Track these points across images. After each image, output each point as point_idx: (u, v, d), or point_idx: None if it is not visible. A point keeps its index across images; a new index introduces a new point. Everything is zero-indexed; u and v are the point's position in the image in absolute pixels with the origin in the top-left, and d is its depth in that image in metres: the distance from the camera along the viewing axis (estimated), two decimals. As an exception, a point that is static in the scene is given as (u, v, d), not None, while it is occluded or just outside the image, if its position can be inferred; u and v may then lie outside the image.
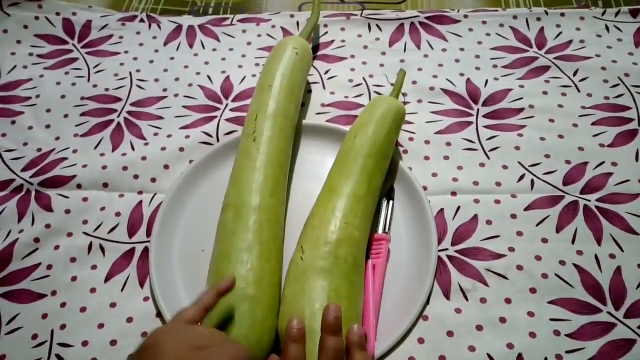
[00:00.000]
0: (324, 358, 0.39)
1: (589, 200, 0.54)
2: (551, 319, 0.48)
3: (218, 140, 0.61)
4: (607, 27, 0.69)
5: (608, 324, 0.47)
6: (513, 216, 0.54)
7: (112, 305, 0.50)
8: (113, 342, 0.48)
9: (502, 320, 0.48)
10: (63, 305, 0.50)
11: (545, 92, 0.63)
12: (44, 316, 0.50)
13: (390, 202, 0.55)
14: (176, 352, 0.35)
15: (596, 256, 0.51)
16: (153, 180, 0.58)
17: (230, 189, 0.52)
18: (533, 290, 0.49)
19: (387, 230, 0.53)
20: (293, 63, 0.59)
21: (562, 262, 0.51)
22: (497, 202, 0.55)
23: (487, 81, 0.65)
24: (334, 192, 0.50)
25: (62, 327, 0.49)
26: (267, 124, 0.54)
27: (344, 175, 0.51)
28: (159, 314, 0.49)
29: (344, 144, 0.54)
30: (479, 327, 0.48)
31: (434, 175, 0.57)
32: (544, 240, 0.52)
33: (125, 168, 0.59)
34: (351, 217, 0.48)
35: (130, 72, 0.68)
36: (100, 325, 0.49)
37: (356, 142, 0.53)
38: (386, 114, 0.55)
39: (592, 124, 0.60)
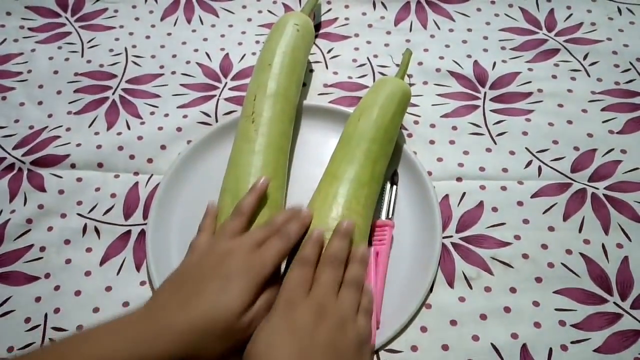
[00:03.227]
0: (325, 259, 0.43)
1: (597, 189, 0.53)
2: (557, 309, 0.47)
3: (217, 121, 0.59)
4: (619, 10, 0.67)
5: (614, 315, 0.46)
6: (519, 203, 0.53)
7: (108, 289, 0.49)
8: (109, 327, 0.47)
9: (507, 309, 0.47)
10: (57, 288, 0.49)
11: (554, 76, 0.62)
12: (38, 299, 0.49)
13: (394, 187, 0.54)
14: (242, 255, 0.42)
15: (603, 246, 0.50)
16: (150, 160, 0.56)
17: (229, 172, 0.50)
18: (539, 280, 0.48)
19: (390, 216, 0.52)
20: (294, 41, 0.56)
21: (568, 251, 0.50)
22: (504, 188, 0.54)
23: (495, 63, 0.63)
24: (337, 178, 0.48)
25: (56, 310, 0.48)
26: (267, 105, 0.52)
27: (347, 160, 0.49)
28: (156, 299, 0.48)
29: (347, 127, 0.52)
30: (483, 317, 0.47)
31: (439, 160, 0.56)
32: (551, 229, 0.51)
33: (120, 148, 0.57)
34: (354, 203, 0.47)
35: (125, 48, 0.66)
36: (96, 310, 0.48)
37: (360, 125, 0.51)
38: (392, 96, 0.53)
39: (602, 109, 0.59)
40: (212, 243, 0.44)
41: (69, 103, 0.61)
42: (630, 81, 0.61)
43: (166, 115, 0.60)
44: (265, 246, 0.43)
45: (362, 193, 0.48)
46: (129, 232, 0.52)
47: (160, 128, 0.59)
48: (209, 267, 0.42)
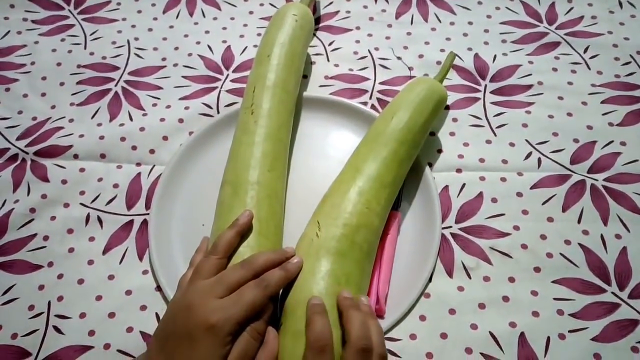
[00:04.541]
0: (352, 328, 0.38)
1: (597, 180, 0.54)
2: (555, 299, 0.47)
3: (218, 112, 0.59)
4: (620, 3, 0.67)
5: (612, 304, 0.47)
6: (519, 194, 0.53)
7: (111, 277, 0.50)
8: (111, 315, 0.47)
9: (505, 299, 0.47)
10: (60, 276, 0.50)
11: (554, 69, 0.62)
12: (41, 287, 0.49)
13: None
14: (208, 308, 0.39)
15: (602, 236, 0.50)
16: (152, 151, 0.57)
17: (229, 164, 0.51)
18: (537, 270, 0.49)
19: (397, 207, 0.52)
20: (293, 32, 0.57)
21: (567, 242, 0.50)
22: (503, 180, 0.54)
23: (495, 56, 0.63)
24: (360, 172, 0.47)
25: (60, 298, 0.48)
26: (266, 96, 0.52)
27: (373, 156, 0.48)
28: (159, 288, 0.48)
29: (378, 122, 0.51)
30: (482, 306, 0.47)
31: (440, 151, 0.56)
32: (550, 220, 0.51)
33: (123, 139, 0.58)
34: (374, 203, 0.46)
35: (128, 40, 0.66)
36: (99, 298, 0.48)
37: (392, 124, 0.50)
38: (428, 99, 0.52)
39: (602, 102, 0.59)
40: (188, 287, 0.42)
41: (72, 94, 0.62)
42: (631, 74, 0.61)
43: (168, 106, 0.60)
44: (238, 294, 0.40)
45: (383, 194, 0.47)
46: (131, 222, 0.53)
47: (162, 119, 0.59)
48: (179, 323, 0.39)
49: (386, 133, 0.49)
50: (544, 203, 0.52)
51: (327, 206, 0.46)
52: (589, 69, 0.62)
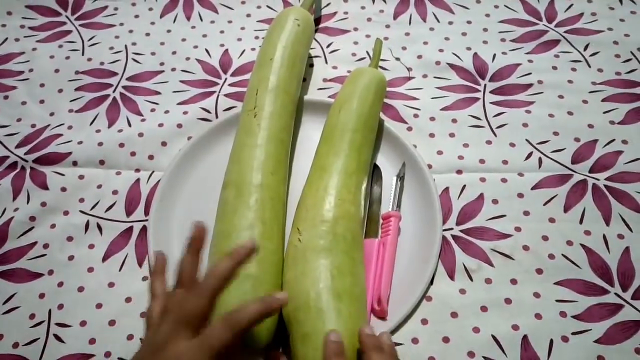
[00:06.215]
0: None
1: (598, 179, 0.53)
2: (557, 300, 0.47)
3: (217, 117, 0.59)
4: (620, 0, 0.67)
5: (615, 306, 0.46)
6: (520, 195, 0.53)
7: (111, 285, 0.49)
8: (112, 322, 0.47)
9: (508, 301, 0.47)
10: (60, 284, 0.50)
11: (554, 67, 0.61)
12: (41, 296, 0.49)
13: (400, 181, 0.53)
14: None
15: (604, 236, 0.50)
16: (150, 157, 0.57)
17: (231, 166, 0.50)
18: (539, 271, 0.48)
19: (396, 208, 0.52)
20: (295, 35, 0.56)
21: (569, 243, 0.50)
22: (504, 180, 0.53)
23: (494, 56, 0.63)
24: (325, 170, 0.49)
25: (60, 307, 0.48)
26: (269, 99, 0.52)
27: (333, 152, 0.50)
28: (158, 294, 0.48)
29: (328, 120, 0.53)
30: (484, 308, 0.47)
31: (439, 153, 0.56)
32: (552, 220, 0.51)
33: (121, 145, 0.57)
34: (345, 193, 0.47)
35: (125, 46, 0.66)
36: (99, 305, 0.48)
37: (341, 116, 0.52)
38: (369, 86, 0.54)
39: (603, 100, 0.59)
40: (157, 328, 0.38)
41: (71, 101, 0.61)
42: (631, 71, 0.61)
43: (166, 111, 0.60)
44: (202, 337, 0.36)
45: (351, 182, 0.48)
46: (130, 229, 0.52)
47: (160, 125, 0.59)
48: None
49: (339, 126, 0.51)
50: (545, 203, 0.52)
51: (303, 211, 0.47)
52: (589, 66, 0.61)
